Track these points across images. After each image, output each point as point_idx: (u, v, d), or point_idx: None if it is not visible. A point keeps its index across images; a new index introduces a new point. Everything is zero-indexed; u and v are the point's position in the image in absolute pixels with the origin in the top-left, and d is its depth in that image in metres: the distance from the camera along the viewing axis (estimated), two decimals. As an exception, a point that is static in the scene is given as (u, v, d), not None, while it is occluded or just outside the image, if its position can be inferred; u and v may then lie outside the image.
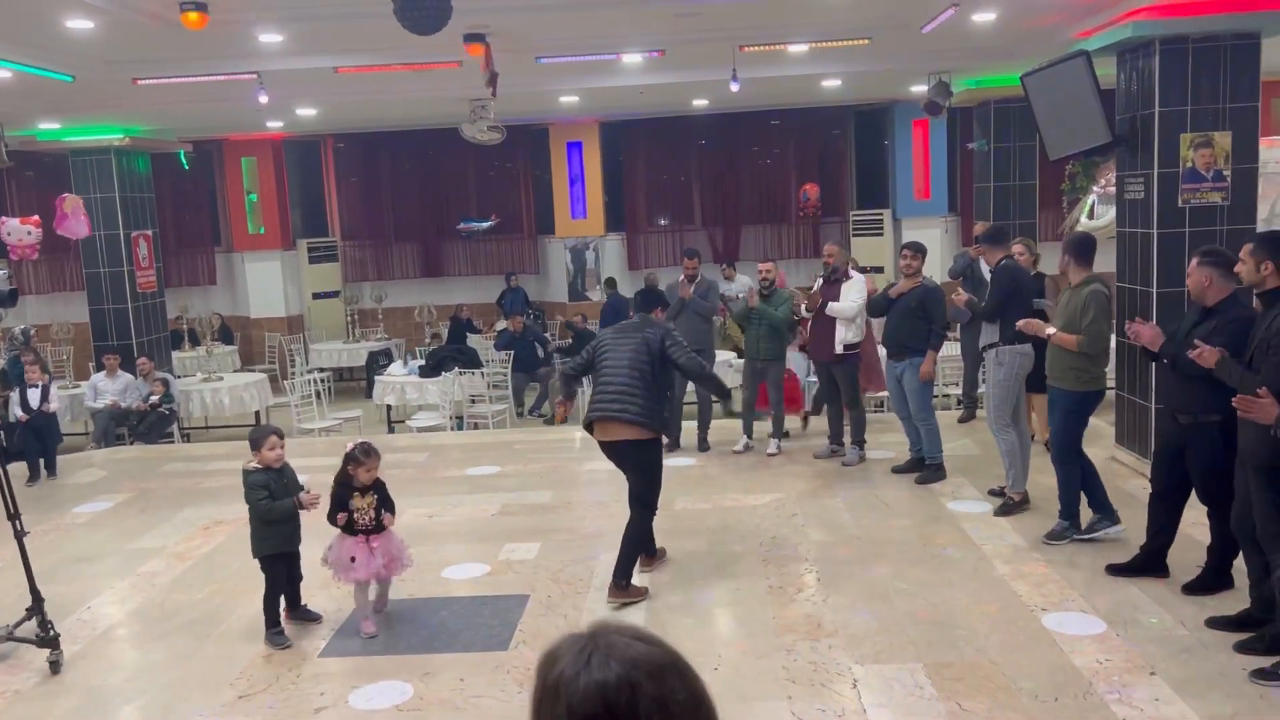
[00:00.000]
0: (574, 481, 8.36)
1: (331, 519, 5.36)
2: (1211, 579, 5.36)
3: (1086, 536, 6.20)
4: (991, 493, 7.25)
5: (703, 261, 9.60)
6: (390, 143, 16.32)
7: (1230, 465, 5.01)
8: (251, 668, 5.09)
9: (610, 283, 15.42)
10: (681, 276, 8.88)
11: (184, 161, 14.06)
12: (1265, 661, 4.50)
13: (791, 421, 9.30)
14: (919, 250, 7.73)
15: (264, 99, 9.01)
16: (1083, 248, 6.22)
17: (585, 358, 6.02)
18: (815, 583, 5.81)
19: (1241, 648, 4.69)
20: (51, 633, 5.21)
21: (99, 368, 11.81)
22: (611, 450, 5.82)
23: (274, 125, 14.08)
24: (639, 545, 5.83)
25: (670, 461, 8.57)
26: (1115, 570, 5.70)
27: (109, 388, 11.39)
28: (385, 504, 5.42)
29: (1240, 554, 5.08)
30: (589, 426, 5.85)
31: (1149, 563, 5.63)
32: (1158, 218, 7.20)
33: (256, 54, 8.29)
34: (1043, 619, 5.17)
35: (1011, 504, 6.86)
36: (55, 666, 5.18)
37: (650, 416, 5.66)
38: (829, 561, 6.13)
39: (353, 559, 5.27)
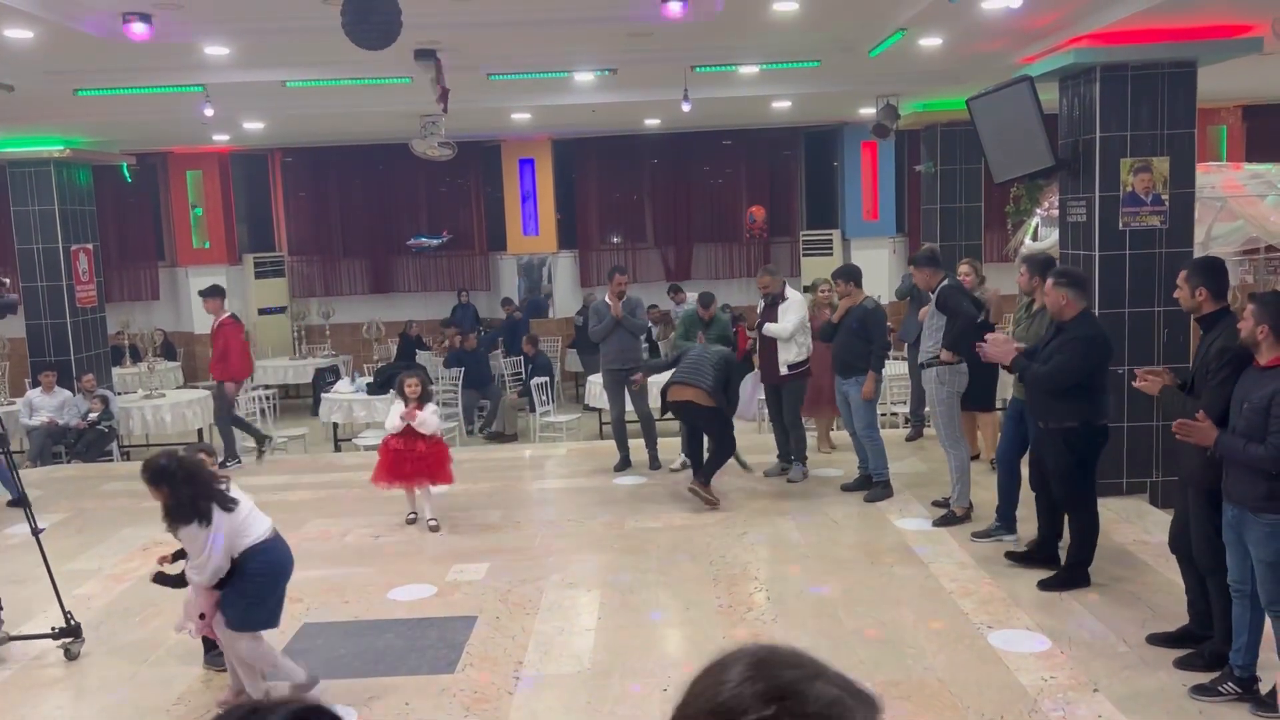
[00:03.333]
0: (523, 501, 8.30)
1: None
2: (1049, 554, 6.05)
3: (981, 536, 6.68)
4: (935, 503, 7.37)
5: (654, 280, 9.61)
6: (339, 157, 16.16)
7: (1076, 469, 5.64)
8: (190, 693, 4.96)
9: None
10: (608, 295, 8.81)
11: (126, 174, 13.79)
12: (1205, 677, 4.58)
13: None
14: (839, 275, 7.88)
15: (210, 112, 8.87)
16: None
17: (671, 359, 7.98)
18: (765, 602, 5.81)
19: (1182, 664, 4.78)
20: (72, 622, 5.39)
21: (35, 384, 11.51)
22: (683, 409, 7.65)
23: (220, 138, 13.87)
24: (724, 459, 7.68)
25: (620, 481, 8.58)
26: (1013, 558, 6.22)
27: (45, 404, 11.11)
28: (182, 554, 4.67)
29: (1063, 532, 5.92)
30: (664, 393, 7.78)
31: (1041, 554, 6.11)
32: (1099, 240, 7.35)
33: (203, 66, 8.16)
34: (989, 636, 5.22)
35: (953, 517, 7.02)
36: (69, 653, 5.38)
37: (717, 393, 7.45)
38: (778, 580, 6.14)
39: None
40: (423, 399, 7.33)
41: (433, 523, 7.41)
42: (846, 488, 7.93)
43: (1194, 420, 4.39)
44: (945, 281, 7.03)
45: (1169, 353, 7.33)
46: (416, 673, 5.07)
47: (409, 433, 7.20)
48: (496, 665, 5.11)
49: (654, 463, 8.87)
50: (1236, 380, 4.40)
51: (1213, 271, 4.86)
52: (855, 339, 7.68)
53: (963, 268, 7.85)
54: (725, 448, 7.69)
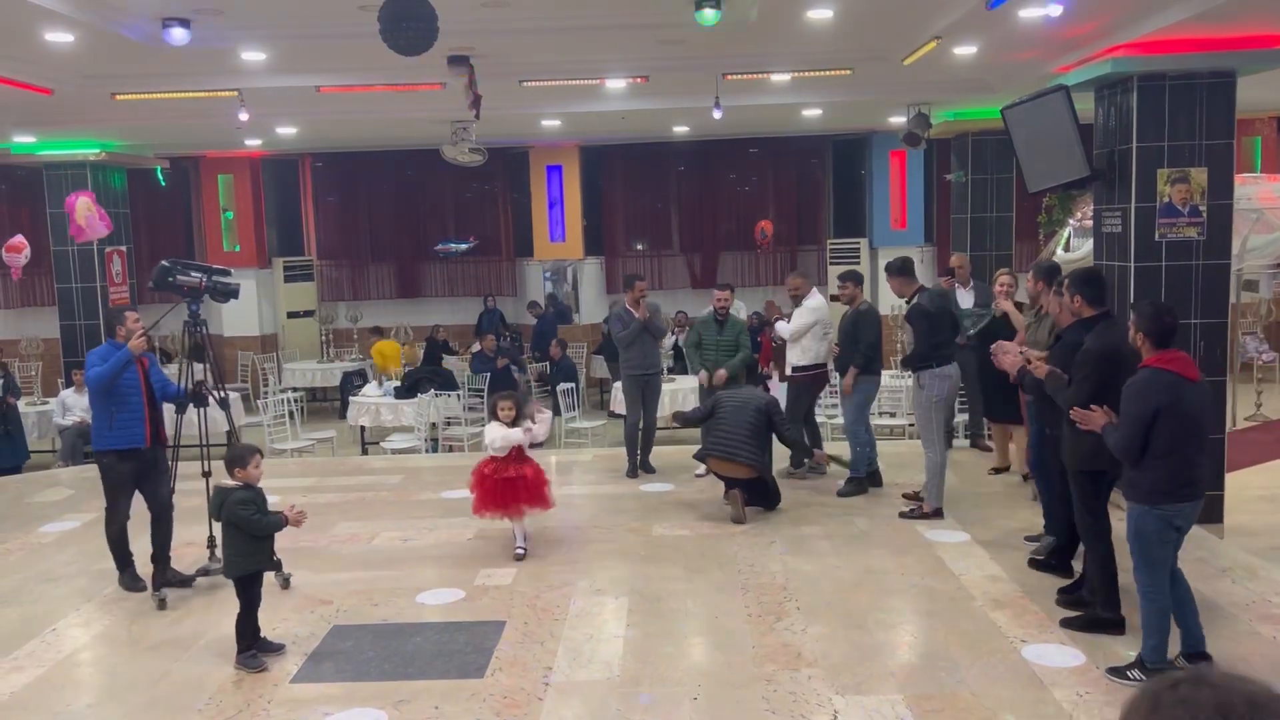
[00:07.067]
0: (551, 506, 8.27)
1: None
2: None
3: (1034, 540, 6.67)
4: (905, 496, 7.70)
5: (679, 287, 9.63)
6: (369, 163, 16.27)
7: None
8: (221, 693, 4.97)
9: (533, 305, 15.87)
10: (627, 303, 8.93)
11: (160, 178, 13.95)
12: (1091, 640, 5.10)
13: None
14: (849, 279, 8.13)
15: (245, 116, 8.95)
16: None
17: (707, 409, 7.85)
18: (795, 611, 5.76)
19: (1067, 623, 5.35)
20: (275, 558, 5.67)
21: (68, 384, 11.63)
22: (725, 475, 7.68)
23: (252, 143, 14.00)
24: (770, 508, 7.68)
25: (647, 488, 8.57)
26: (1035, 565, 6.29)
27: (77, 403, 11.21)
28: None
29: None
30: (703, 458, 7.89)
31: (1057, 560, 6.19)
32: (1135, 251, 7.28)
33: (238, 71, 8.24)
34: (1022, 650, 5.16)
35: (922, 514, 7.32)
36: (286, 582, 6.22)
37: (758, 461, 7.48)
38: (807, 590, 6.09)
39: None
40: (518, 420, 6.71)
41: (520, 551, 6.79)
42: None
43: (1088, 411, 4.84)
44: (917, 299, 7.37)
45: (1205, 365, 7.22)
46: (446, 676, 5.06)
47: (510, 458, 6.69)
48: (526, 671, 5.10)
49: (646, 465, 9.04)
50: (1095, 376, 5.01)
51: (1090, 282, 5.51)
52: (850, 341, 7.97)
53: (1004, 278, 7.88)
54: (770, 502, 7.70)
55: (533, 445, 6.85)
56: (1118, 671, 4.81)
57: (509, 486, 6.68)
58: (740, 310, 9.02)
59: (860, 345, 7.87)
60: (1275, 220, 9.57)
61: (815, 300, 8.50)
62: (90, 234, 10.48)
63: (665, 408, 10.32)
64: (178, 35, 6.59)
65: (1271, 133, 14.74)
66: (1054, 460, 5.95)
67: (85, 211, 10.28)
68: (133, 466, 6.37)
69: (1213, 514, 7.39)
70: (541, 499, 6.80)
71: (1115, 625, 5.24)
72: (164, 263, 6.54)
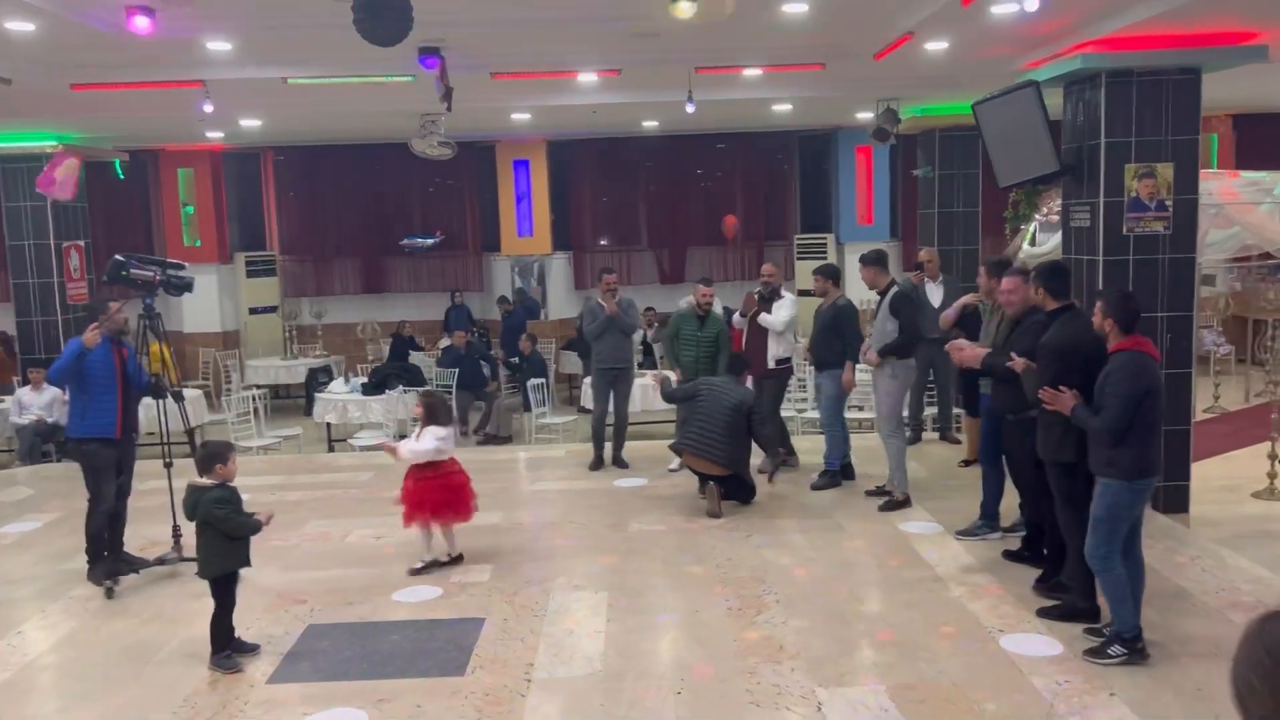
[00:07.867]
0: (523, 502, 8.24)
1: None
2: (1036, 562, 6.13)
3: (965, 534, 6.80)
4: (869, 493, 7.77)
5: (648, 282, 9.60)
6: (331, 156, 16.06)
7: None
8: (196, 695, 4.88)
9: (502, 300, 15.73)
10: (600, 296, 8.95)
11: (119, 170, 13.67)
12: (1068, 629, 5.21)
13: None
14: (820, 272, 8.21)
15: (209, 108, 8.79)
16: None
17: (689, 391, 7.79)
18: (774, 604, 5.77)
19: (1043, 613, 5.45)
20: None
21: (24, 382, 11.37)
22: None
23: (214, 136, 13.76)
24: (745, 501, 7.70)
25: (621, 483, 8.55)
26: (1010, 556, 6.35)
27: (34, 402, 10.97)
28: None
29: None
30: (677, 450, 7.93)
31: (1030, 551, 6.23)
32: (1103, 245, 7.37)
33: (203, 62, 8.09)
34: (1000, 640, 5.20)
35: (895, 502, 7.41)
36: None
37: (732, 461, 7.50)
38: (786, 583, 6.11)
39: None
40: (430, 421, 6.37)
41: (446, 557, 6.55)
42: (816, 486, 8.11)
43: (1057, 391, 4.97)
44: (895, 287, 7.55)
45: (1172, 357, 7.35)
46: (427, 675, 5.01)
47: (415, 467, 6.36)
48: (507, 667, 5.06)
49: (618, 460, 9.07)
50: (1052, 369, 5.11)
51: (1054, 274, 5.54)
52: (829, 335, 8.00)
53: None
54: (745, 497, 7.72)
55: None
56: (1096, 652, 4.90)
57: (406, 496, 6.40)
58: (716, 306, 9.03)
59: (847, 339, 7.88)
60: (1234, 215, 9.74)
61: (789, 295, 8.65)
62: (59, 190, 10.33)
63: (636, 403, 10.30)
64: (141, 24, 6.45)
65: (1228, 130, 15.00)
66: (1018, 448, 6.02)
67: (70, 171, 10.22)
68: (113, 453, 6.47)
69: (1179, 504, 7.52)
70: (438, 510, 6.38)
71: (1091, 615, 5.32)
72: (118, 257, 6.65)
